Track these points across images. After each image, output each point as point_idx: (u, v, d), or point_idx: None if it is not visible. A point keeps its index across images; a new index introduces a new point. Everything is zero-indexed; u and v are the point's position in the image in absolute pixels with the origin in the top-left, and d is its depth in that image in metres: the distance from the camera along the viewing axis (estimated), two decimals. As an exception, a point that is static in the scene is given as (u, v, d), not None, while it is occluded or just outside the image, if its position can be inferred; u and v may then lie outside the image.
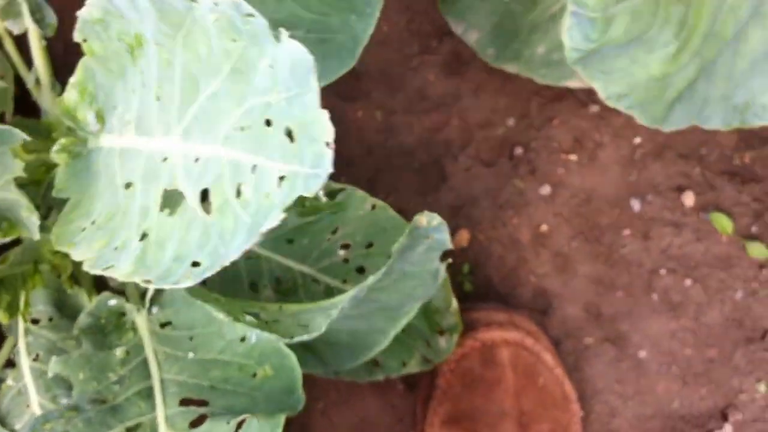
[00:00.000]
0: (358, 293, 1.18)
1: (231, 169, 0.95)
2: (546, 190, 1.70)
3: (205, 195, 0.99)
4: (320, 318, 1.19)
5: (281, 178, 0.91)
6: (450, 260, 1.30)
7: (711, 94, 1.22)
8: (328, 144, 0.88)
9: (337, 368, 1.44)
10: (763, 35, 1.22)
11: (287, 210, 1.32)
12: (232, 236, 0.95)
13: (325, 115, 0.89)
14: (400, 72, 1.72)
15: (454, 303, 1.51)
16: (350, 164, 1.68)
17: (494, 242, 1.70)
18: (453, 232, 1.70)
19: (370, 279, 1.17)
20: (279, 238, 1.50)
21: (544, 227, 1.70)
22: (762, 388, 1.67)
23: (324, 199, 1.49)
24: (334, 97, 1.70)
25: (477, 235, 1.70)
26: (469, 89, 1.72)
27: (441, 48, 1.72)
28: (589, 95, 1.70)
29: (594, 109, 1.70)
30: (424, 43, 1.72)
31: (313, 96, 0.91)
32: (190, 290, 1.29)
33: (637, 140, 1.70)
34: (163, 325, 1.34)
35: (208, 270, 0.95)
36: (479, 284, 1.70)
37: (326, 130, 0.89)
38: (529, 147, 1.71)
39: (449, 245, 1.27)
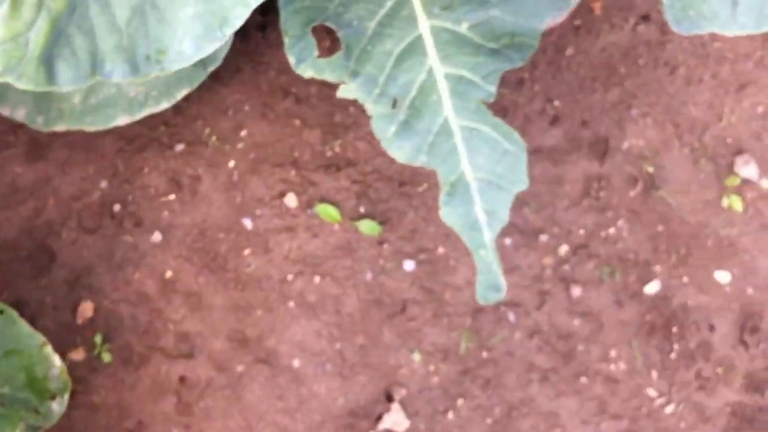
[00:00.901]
0: None
1: None
2: (157, 237, 1.68)
3: None
4: None
5: None
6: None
7: (101, 47, 1.19)
8: None
9: None
10: None
11: None
12: None
13: None
14: (-17, 172, 1.70)
15: (58, 363, 1.46)
16: (-50, 273, 1.63)
17: (121, 303, 1.66)
18: (75, 306, 1.65)
19: None
20: None
21: (168, 273, 1.67)
22: (417, 356, 1.65)
23: None
24: None
25: (102, 302, 1.66)
26: (57, 168, 1.70)
27: (18, 140, 1.71)
28: (171, 137, 1.71)
29: (180, 147, 1.71)
30: (-1, 139, 1.71)
31: None
32: None
33: (231, 164, 1.71)
34: None
35: None
36: (119, 350, 1.64)
37: None
38: (128, 201, 1.69)
39: None
